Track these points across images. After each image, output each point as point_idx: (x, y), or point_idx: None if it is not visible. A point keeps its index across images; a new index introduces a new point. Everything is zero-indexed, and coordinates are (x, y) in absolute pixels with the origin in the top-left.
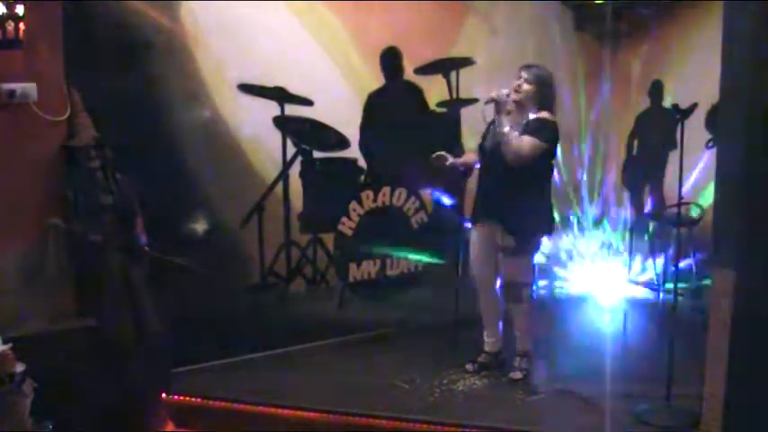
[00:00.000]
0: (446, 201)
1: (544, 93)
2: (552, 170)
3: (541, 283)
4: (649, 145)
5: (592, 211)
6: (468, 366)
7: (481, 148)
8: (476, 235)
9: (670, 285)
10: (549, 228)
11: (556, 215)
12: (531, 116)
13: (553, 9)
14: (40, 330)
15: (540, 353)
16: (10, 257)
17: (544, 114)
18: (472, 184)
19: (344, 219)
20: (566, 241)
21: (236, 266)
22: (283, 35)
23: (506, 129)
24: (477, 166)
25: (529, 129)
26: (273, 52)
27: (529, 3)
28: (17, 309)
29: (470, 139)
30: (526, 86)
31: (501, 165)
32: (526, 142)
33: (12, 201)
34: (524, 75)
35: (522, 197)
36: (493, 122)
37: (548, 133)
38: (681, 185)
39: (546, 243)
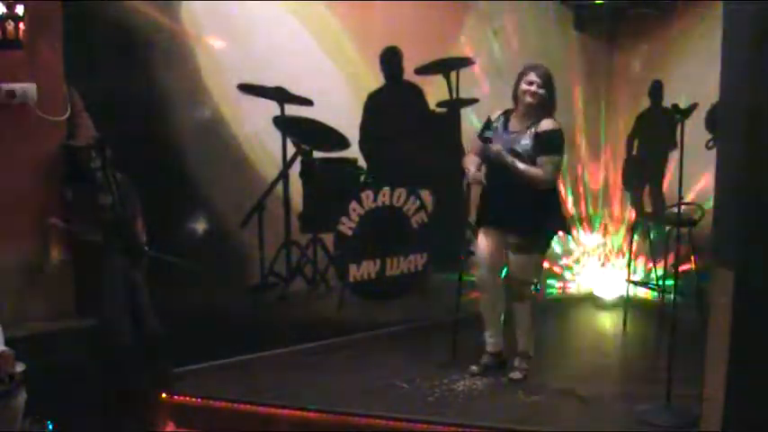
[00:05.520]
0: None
1: (551, 94)
2: (560, 171)
3: (546, 282)
4: (649, 145)
5: (592, 211)
6: (473, 368)
7: (486, 152)
8: (482, 236)
9: (670, 285)
10: (559, 226)
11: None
12: (539, 126)
13: (553, 9)
14: (40, 330)
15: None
16: (10, 257)
17: (549, 124)
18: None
19: (344, 219)
20: (567, 241)
21: (236, 266)
22: (283, 35)
23: (522, 166)
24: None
25: (541, 144)
26: (273, 52)
27: (529, 3)
28: (17, 309)
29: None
30: (540, 91)
31: (509, 168)
32: (549, 171)
33: (12, 201)
34: (536, 78)
35: (532, 198)
36: (490, 122)
37: (560, 144)
38: (681, 185)
39: (556, 242)
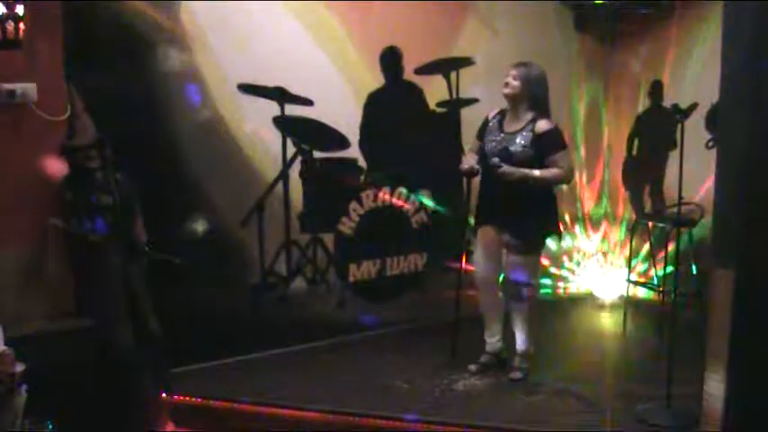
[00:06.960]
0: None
1: (535, 91)
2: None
3: (544, 282)
4: (649, 145)
5: (592, 211)
6: (472, 367)
7: (482, 150)
8: (480, 236)
9: (670, 285)
10: (554, 227)
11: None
12: (537, 127)
13: (553, 9)
14: (40, 330)
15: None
16: (10, 257)
17: (547, 124)
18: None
19: (344, 219)
20: (567, 241)
21: (236, 266)
22: (283, 35)
23: (538, 173)
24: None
25: (546, 144)
26: (273, 52)
27: (529, 3)
28: (17, 309)
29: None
30: (514, 83)
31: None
32: (566, 167)
33: (12, 201)
34: (513, 72)
35: (527, 197)
36: (487, 122)
37: (563, 139)
38: (681, 185)
39: (551, 242)
